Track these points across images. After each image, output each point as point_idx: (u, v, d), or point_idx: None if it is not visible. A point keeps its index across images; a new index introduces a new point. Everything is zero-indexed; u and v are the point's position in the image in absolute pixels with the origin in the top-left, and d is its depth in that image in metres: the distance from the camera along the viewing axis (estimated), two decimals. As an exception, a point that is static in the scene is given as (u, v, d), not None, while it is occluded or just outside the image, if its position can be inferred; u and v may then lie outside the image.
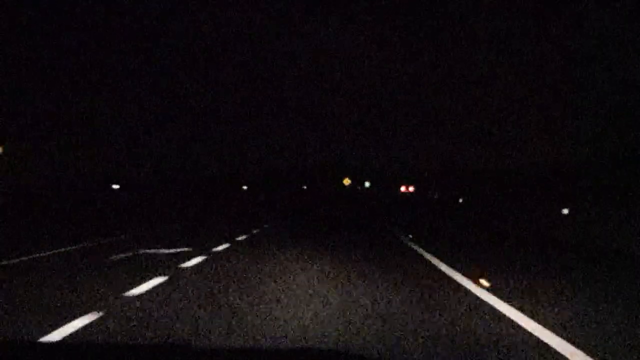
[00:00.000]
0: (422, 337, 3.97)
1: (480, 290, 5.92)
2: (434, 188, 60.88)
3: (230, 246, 10.08)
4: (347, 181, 62.91)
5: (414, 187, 65.51)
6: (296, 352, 2.66)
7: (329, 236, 12.91)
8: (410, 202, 46.52)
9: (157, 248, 9.57)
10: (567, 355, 3.66)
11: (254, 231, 13.86)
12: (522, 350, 3.76)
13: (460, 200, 31.94)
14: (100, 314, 4.46)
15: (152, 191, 36.31)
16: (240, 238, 11.71)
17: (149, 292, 5.49)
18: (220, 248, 9.68)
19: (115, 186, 37.50)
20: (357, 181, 71.92)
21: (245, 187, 71.24)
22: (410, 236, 12.87)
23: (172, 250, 9.20)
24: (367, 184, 73.68)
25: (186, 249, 9.37)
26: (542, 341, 3.98)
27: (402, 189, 65.95)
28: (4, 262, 7.36)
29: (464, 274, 7.01)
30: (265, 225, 16.14)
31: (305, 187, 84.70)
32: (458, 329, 4.24)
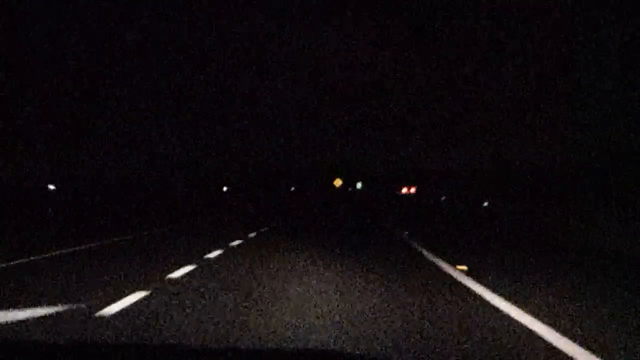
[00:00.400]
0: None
1: None
2: (435, 188, 57.60)
3: (148, 297, 5.83)
4: (337, 182, 59.52)
5: (416, 188, 62.52)
6: (296, 352, 2.71)
7: (324, 260, 8.58)
8: (415, 205, 41.56)
9: (12, 307, 5.39)
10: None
11: (209, 255, 9.37)
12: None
13: (486, 204, 27.39)
14: None
15: (108, 194, 32.28)
16: (178, 273, 7.32)
17: None
18: (125, 302, 5.41)
19: (51, 187, 32.82)
20: (349, 182, 68.27)
21: (225, 189, 67.08)
22: (465, 268, 7.82)
23: (26, 314, 4.97)
24: (359, 185, 69.80)
25: (54, 310, 5.13)
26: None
27: (404, 190, 62.96)
28: None
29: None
30: (233, 243, 11.60)
31: (293, 189, 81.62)
32: None
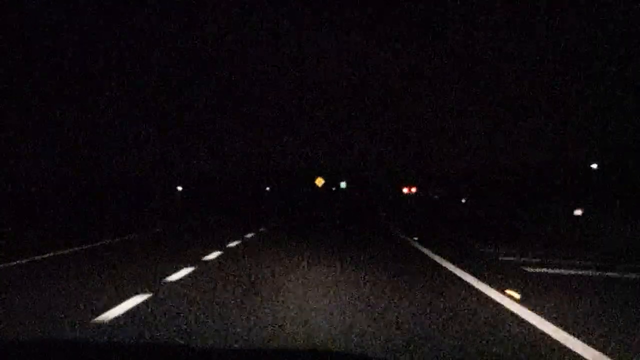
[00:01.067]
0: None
1: None
2: (437, 188, 56.18)
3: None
4: (320, 181, 56.64)
5: (417, 188, 62.32)
6: (296, 352, 2.86)
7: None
8: (423, 209, 33.68)
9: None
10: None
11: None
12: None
13: (579, 213, 20.23)
14: None
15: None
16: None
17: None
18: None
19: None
20: (332, 182, 66.81)
21: (180, 188, 61.68)
22: None
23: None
24: (343, 185, 68.16)
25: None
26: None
27: (405, 190, 62.48)
28: None
29: None
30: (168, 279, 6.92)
31: (268, 189, 78.56)
32: None
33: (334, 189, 67.54)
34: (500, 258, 9.73)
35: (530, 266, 8.65)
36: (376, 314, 5.08)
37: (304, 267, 8.16)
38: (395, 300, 5.71)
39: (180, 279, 6.87)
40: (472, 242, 13.07)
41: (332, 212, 31.59)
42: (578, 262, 9.38)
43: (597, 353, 4.00)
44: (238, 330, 4.40)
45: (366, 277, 7.25)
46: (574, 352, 4.06)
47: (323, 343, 4.03)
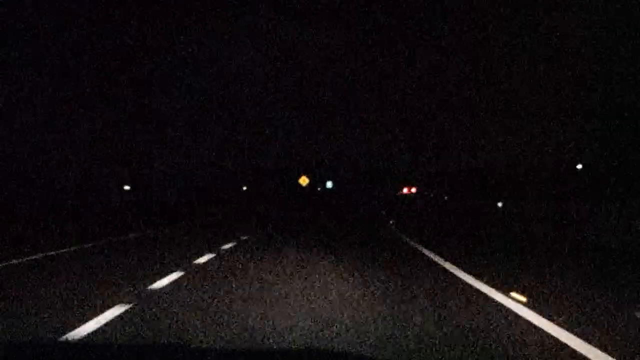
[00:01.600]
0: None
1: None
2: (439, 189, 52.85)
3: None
4: (304, 180, 51.50)
5: (417, 188, 60.89)
6: (296, 352, 2.83)
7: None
8: (448, 216, 27.19)
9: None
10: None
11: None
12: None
13: None
14: None
15: None
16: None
17: None
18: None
19: None
20: (318, 180, 64.61)
21: (127, 188, 53.81)
22: None
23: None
24: (329, 184, 65.25)
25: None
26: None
27: (404, 190, 60.74)
28: None
29: None
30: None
31: (245, 188, 73.27)
32: None
33: (319, 189, 64.77)
34: None
35: None
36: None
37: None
38: None
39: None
40: None
41: (325, 216, 28.17)
42: None
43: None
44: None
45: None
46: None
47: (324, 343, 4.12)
